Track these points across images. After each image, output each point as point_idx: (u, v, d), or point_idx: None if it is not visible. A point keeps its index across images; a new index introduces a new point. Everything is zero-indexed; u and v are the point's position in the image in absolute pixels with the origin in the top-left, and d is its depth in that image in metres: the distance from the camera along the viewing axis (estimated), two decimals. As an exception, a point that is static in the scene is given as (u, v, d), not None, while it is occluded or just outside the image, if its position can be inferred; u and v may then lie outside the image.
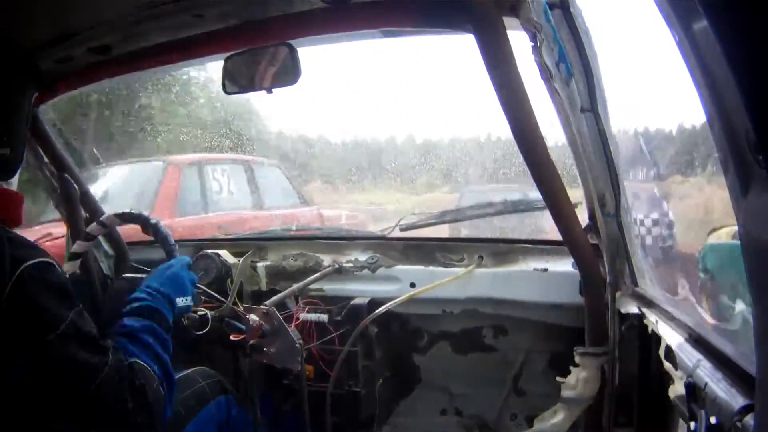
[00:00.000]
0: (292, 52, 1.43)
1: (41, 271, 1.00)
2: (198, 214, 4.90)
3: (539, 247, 1.89)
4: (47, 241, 3.22)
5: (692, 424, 0.94)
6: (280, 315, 1.79)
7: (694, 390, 0.97)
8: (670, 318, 1.25)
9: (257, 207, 5.68)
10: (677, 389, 1.11)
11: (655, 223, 1.51)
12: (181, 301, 1.38)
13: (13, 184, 1.24)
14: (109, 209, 2.02)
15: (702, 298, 1.56)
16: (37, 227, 4.02)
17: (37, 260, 1.00)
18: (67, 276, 1.10)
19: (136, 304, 1.26)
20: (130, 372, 1.10)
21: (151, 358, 1.17)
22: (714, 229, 1.78)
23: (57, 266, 1.05)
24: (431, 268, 1.98)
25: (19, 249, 1.00)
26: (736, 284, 1.39)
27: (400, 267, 2.02)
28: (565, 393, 1.63)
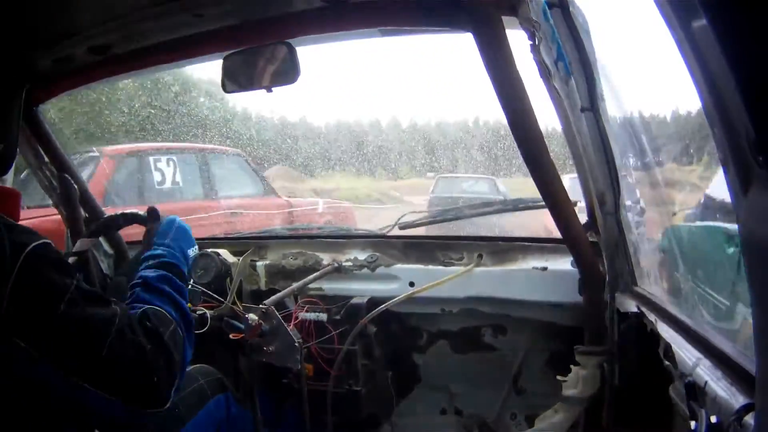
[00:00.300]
0: (291, 51, 1.43)
1: (43, 251, 1.01)
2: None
3: (539, 245, 1.89)
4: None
5: (692, 423, 0.95)
6: (280, 314, 1.79)
7: (694, 389, 0.97)
8: (669, 317, 1.25)
9: (209, 197, 5.60)
10: (677, 388, 1.11)
11: (628, 209, 1.57)
12: (191, 252, 1.43)
13: (8, 180, 1.24)
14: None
15: (661, 273, 1.67)
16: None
17: (38, 242, 1.00)
18: None
19: (152, 261, 1.30)
20: (143, 317, 1.12)
21: (166, 303, 1.20)
22: (674, 214, 1.85)
23: (52, 243, 1.06)
24: (430, 266, 1.98)
25: (18, 235, 1.01)
26: (682, 262, 1.53)
27: (399, 266, 2.02)
28: (565, 392, 1.63)
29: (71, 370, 1.00)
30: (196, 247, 1.47)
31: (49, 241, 1.05)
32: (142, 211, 1.61)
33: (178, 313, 1.21)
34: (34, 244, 0.99)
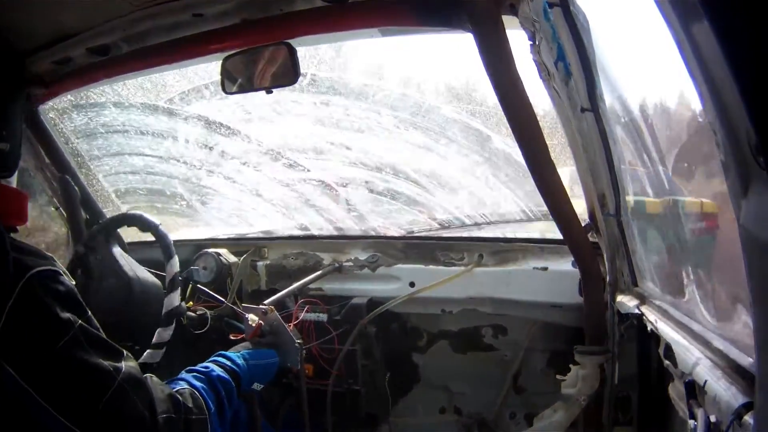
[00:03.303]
0: (292, 51, 1.42)
1: (48, 280, 0.96)
2: None
3: (539, 245, 1.90)
4: None
5: (691, 423, 0.95)
6: (280, 314, 1.79)
7: (693, 388, 0.97)
8: (669, 317, 1.25)
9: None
10: (677, 387, 1.11)
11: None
12: (256, 386, 1.49)
13: (13, 181, 1.22)
14: None
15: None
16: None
17: (43, 268, 0.96)
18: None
19: (226, 362, 1.35)
20: (180, 392, 1.10)
21: (211, 398, 1.19)
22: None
23: (64, 273, 1.02)
24: (431, 267, 1.98)
25: (25, 256, 0.97)
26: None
27: (399, 266, 2.02)
28: (565, 391, 1.63)
29: (61, 411, 0.94)
30: (261, 386, 1.51)
31: (58, 269, 1.00)
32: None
33: (217, 412, 1.20)
34: (39, 268, 0.95)
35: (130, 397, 1.00)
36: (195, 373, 1.25)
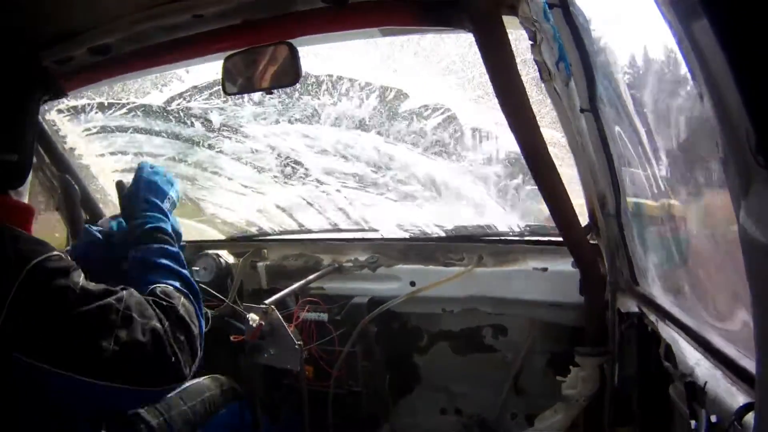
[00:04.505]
0: (293, 51, 1.42)
1: (48, 264, 0.98)
2: None
3: (539, 246, 1.89)
4: None
5: (692, 423, 0.95)
6: (281, 314, 1.79)
7: (694, 389, 0.97)
8: (669, 317, 1.25)
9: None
10: (677, 388, 1.11)
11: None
12: (168, 202, 1.38)
13: (23, 193, 1.20)
14: None
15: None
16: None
17: (42, 257, 0.98)
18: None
19: (137, 232, 1.28)
20: (152, 296, 1.11)
21: (168, 277, 1.19)
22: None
23: (63, 254, 1.04)
24: (431, 267, 1.98)
25: (25, 244, 0.99)
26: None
27: (400, 266, 2.02)
28: (565, 392, 1.63)
29: (81, 371, 0.98)
30: (171, 187, 1.41)
31: (57, 252, 1.02)
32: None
33: (183, 283, 1.20)
34: (39, 258, 0.97)
35: (137, 321, 1.03)
36: (135, 271, 1.22)
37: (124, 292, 1.06)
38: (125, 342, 1.01)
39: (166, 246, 1.26)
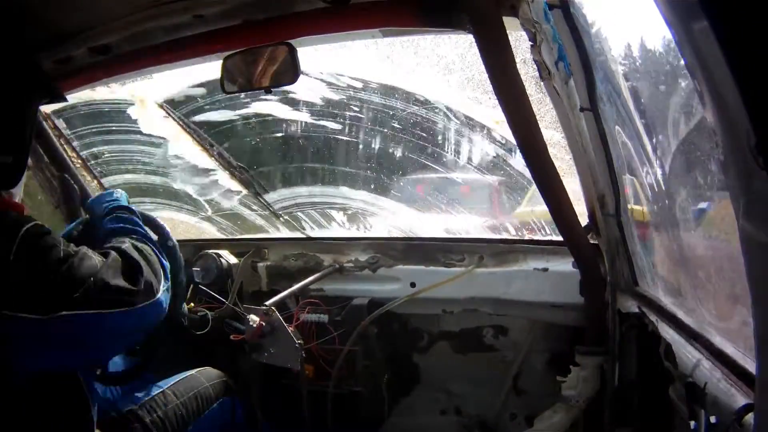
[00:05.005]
0: (292, 51, 1.42)
1: (40, 230, 1.02)
2: None
3: (539, 246, 1.89)
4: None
5: (692, 424, 0.95)
6: (281, 315, 1.79)
7: (693, 389, 0.97)
8: (670, 318, 1.25)
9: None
10: (677, 388, 1.11)
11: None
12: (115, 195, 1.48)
13: (16, 194, 1.20)
14: None
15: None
16: None
17: (33, 223, 1.02)
18: None
19: (100, 210, 1.39)
20: (123, 253, 1.15)
21: (126, 234, 1.27)
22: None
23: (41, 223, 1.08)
24: (431, 267, 1.98)
25: (6, 216, 1.02)
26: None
27: (400, 267, 2.02)
28: (566, 393, 1.63)
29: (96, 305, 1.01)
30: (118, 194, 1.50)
31: (39, 222, 1.06)
32: None
33: (137, 237, 1.27)
34: (30, 224, 1.01)
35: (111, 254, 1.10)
36: (112, 238, 1.27)
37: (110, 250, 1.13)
38: (102, 270, 1.05)
39: (122, 214, 1.35)
